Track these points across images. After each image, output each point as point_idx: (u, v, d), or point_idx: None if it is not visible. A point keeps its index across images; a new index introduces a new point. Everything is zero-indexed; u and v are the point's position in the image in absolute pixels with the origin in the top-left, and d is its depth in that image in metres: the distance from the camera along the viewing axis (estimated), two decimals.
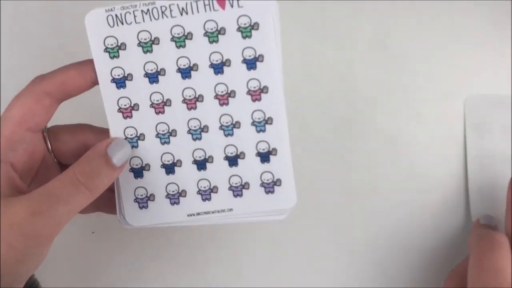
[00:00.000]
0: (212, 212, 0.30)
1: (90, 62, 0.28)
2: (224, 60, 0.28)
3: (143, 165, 0.30)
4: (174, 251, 0.37)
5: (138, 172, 0.30)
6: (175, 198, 0.30)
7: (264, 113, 0.29)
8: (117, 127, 0.29)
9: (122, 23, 0.28)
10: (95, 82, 0.29)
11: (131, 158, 0.30)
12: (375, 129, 0.39)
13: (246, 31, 0.28)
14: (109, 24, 0.28)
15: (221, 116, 0.29)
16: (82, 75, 0.28)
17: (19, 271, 0.25)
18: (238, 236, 0.38)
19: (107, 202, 0.31)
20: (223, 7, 0.27)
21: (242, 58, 0.28)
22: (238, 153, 0.29)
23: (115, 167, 0.27)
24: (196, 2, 0.27)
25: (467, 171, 0.38)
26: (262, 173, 0.30)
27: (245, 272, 0.38)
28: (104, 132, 0.30)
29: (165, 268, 0.38)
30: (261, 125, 0.29)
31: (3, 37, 0.40)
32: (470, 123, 0.39)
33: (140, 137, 0.29)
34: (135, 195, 0.30)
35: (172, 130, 0.29)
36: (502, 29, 0.39)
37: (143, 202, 0.30)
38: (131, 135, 0.29)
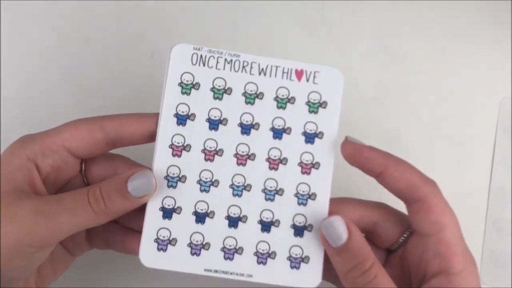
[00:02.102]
0: (231, 274, 0.29)
1: (153, 116, 0.29)
2: (285, 127, 0.29)
3: (175, 207, 0.29)
4: None
5: (167, 213, 0.29)
6: (196, 248, 0.29)
7: (309, 187, 0.29)
8: (162, 161, 0.29)
9: (204, 65, 0.28)
10: (152, 136, 0.29)
11: (164, 198, 0.29)
12: (375, 129, 0.39)
13: (314, 106, 0.28)
14: (192, 61, 0.28)
15: (267, 180, 0.29)
16: (141, 123, 0.28)
17: (11, 266, 0.26)
18: None
19: (120, 241, 0.31)
20: (299, 78, 0.28)
21: (303, 130, 0.29)
22: (274, 220, 0.29)
23: (129, 196, 0.27)
24: (276, 67, 0.28)
25: (492, 171, 0.38)
26: (292, 246, 0.29)
27: None
28: (138, 166, 0.30)
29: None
30: (303, 198, 0.29)
31: (3, 37, 0.40)
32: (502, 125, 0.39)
33: (182, 178, 0.29)
34: (157, 235, 0.29)
35: (215, 180, 0.29)
36: (502, 29, 0.39)
37: (163, 244, 0.29)
38: (173, 174, 0.29)
